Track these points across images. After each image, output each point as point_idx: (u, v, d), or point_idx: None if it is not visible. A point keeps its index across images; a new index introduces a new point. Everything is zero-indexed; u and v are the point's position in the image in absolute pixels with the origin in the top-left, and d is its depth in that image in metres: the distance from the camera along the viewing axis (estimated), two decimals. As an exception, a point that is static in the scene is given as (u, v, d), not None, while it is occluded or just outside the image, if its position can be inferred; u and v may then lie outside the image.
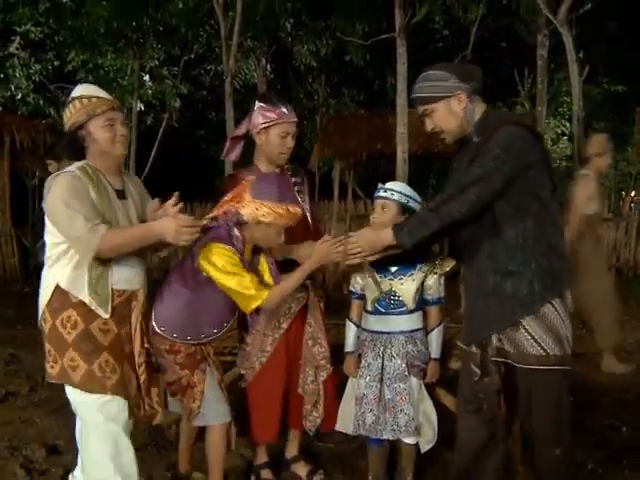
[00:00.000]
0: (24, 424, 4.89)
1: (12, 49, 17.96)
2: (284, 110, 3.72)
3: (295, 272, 3.35)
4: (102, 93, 3.25)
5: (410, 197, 3.49)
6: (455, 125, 3.08)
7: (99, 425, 3.12)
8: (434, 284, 3.65)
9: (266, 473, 3.89)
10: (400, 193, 3.48)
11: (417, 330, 3.60)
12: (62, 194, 3.03)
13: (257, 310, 3.43)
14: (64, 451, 4.36)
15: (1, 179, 12.73)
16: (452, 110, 3.05)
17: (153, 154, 16.72)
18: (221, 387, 3.57)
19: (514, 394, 3.15)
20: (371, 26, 15.17)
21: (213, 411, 3.48)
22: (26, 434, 4.67)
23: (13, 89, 17.98)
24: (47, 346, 3.17)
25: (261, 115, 3.71)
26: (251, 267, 3.42)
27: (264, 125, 3.69)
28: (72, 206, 3.00)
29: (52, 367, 3.15)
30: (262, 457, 3.93)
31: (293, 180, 3.89)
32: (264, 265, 3.52)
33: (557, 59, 16.15)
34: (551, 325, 2.97)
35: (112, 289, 3.15)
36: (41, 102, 18.45)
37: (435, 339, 3.67)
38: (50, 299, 3.14)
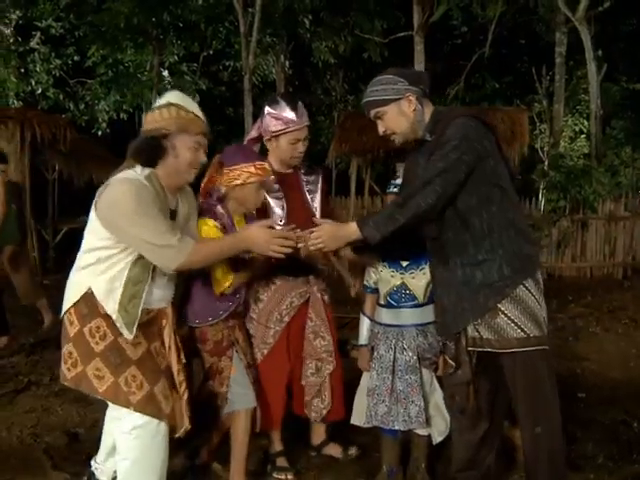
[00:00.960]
0: (46, 412, 4.99)
1: (33, 44, 18.17)
2: (293, 117, 3.73)
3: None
4: (199, 112, 3.12)
5: None
6: (406, 126, 3.17)
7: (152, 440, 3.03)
8: None
9: (282, 461, 3.96)
10: None
11: (428, 323, 3.65)
12: (138, 200, 2.88)
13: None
14: (85, 439, 4.46)
15: (22, 173, 12.84)
16: (403, 112, 3.14)
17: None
18: (247, 373, 3.62)
19: (496, 381, 3.27)
20: (389, 23, 15.20)
21: (238, 397, 3.55)
22: (48, 422, 4.78)
23: (34, 84, 18.19)
24: (68, 347, 3.05)
25: (270, 122, 3.76)
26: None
27: (273, 134, 3.76)
28: (152, 214, 2.89)
29: (69, 370, 3.04)
30: (278, 445, 4.00)
31: (305, 179, 3.95)
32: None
33: (575, 57, 16.12)
34: (527, 307, 3.08)
35: (146, 308, 3.05)
36: (61, 97, 18.63)
37: None
38: (78, 301, 3.02)
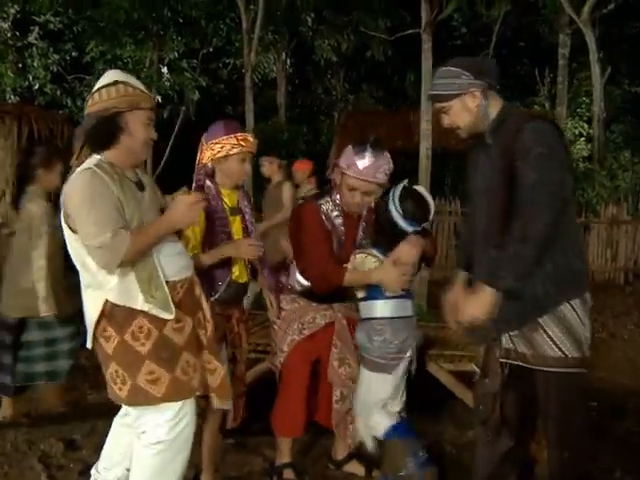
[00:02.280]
0: (41, 418, 4.82)
1: (31, 39, 18.02)
2: (362, 167, 3.56)
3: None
4: (145, 89, 3.01)
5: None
6: (469, 121, 3.05)
7: (177, 453, 2.93)
8: None
9: (288, 473, 3.84)
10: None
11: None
12: (80, 203, 2.77)
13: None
14: (82, 446, 4.30)
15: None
16: (466, 107, 3.03)
17: (169, 147, 16.70)
18: (231, 366, 3.57)
19: (526, 396, 3.11)
20: (393, 21, 15.09)
21: None
22: (43, 428, 4.61)
23: (31, 79, 18.04)
24: (112, 367, 2.88)
25: (345, 161, 3.62)
26: (229, 224, 3.55)
27: (341, 172, 3.62)
28: (93, 216, 2.74)
29: (120, 389, 2.87)
30: (285, 457, 3.87)
31: (363, 224, 3.84)
32: (238, 224, 3.61)
33: (578, 59, 16.02)
34: (570, 327, 2.93)
35: (173, 282, 2.92)
36: (58, 92, 18.48)
37: None
38: (103, 318, 2.85)
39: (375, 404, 3.68)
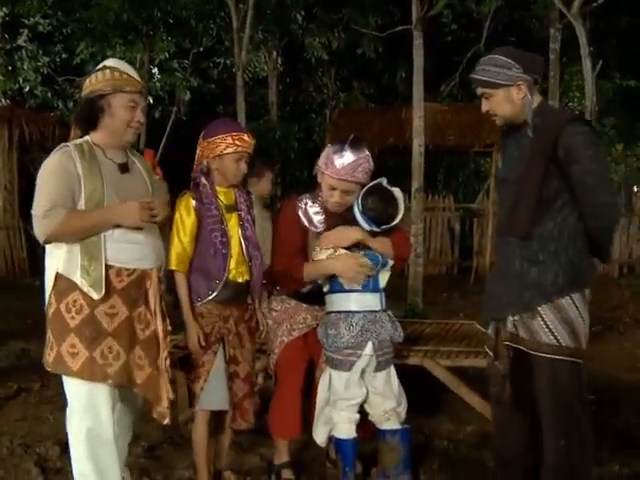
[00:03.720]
0: (37, 421, 4.82)
1: (20, 41, 17.93)
2: (340, 166, 3.53)
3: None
4: (134, 73, 3.19)
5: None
6: (510, 112, 3.15)
7: (81, 420, 3.10)
8: None
9: (287, 473, 3.82)
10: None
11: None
12: (41, 175, 3.03)
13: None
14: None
15: (10, 172, 12.69)
16: (510, 98, 3.11)
17: (161, 147, 16.65)
18: (231, 368, 3.58)
19: (524, 380, 3.21)
20: (384, 18, 15.08)
21: (211, 397, 3.50)
22: (39, 431, 4.60)
23: (21, 82, 17.97)
24: (47, 333, 3.10)
25: (324, 159, 3.60)
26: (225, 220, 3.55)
27: (320, 171, 3.63)
28: (44, 189, 3.00)
29: (49, 355, 3.07)
30: (283, 456, 3.85)
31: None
32: (234, 222, 3.59)
33: (568, 53, 16.02)
34: (567, 318, 3.07)
35: (118, 268, 3.05)
36: (49, 95, 18.42)
37: None
38: (54, 284, 3.06)
39: (333, 402, 3.58)
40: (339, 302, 3.58)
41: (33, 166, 14.07)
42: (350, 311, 3.53)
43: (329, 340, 3.52)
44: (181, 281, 3.47)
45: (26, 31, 17.80)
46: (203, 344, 3.44)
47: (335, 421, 3.58)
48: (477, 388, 4.30)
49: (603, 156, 3.23)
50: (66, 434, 4.36)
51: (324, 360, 3.65)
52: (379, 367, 3.58)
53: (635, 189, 18.06)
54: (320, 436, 3.68)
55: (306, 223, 3.66)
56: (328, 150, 3.58)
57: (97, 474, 3.13)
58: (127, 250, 3.09)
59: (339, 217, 3.66)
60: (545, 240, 3.08)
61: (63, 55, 18.12)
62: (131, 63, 16.23)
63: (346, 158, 3.49)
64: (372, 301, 3.58)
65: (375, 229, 3.55)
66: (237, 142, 3.48)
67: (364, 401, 3.62)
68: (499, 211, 3.34)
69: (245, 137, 3.52)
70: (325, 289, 3.65)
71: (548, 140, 3.02)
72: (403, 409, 3.68)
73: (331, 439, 3.69)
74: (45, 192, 2.99)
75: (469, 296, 11.32)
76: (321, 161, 3.60)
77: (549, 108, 3.29)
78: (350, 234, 3.56)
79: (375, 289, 3.61)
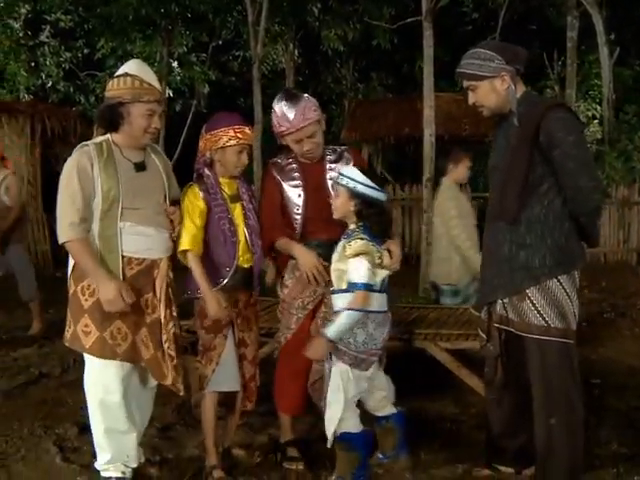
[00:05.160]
0: (56, 404, 4.98)
1: (42, 37, 18.19)
2: (292, 117, 3.69)
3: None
4: (155, 81, 3.38)
5: (358, 182, 3.42)
6: (495, 102, 3.29)
7: (95, 392, 3.42)
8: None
9: (292, 451, 3.93)
10: (348, 178, 3.45)
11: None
12: (63, 177, 3.28)
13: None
14: (95, 429, 4.44)
15: (33, 166, 12.84)
16: (495, 89, 3.24)
17: (182, 140, 16.82)
18: (240, 351, 3.74)
19: (515, 361, 3.36)
20: (397, 10, 15.10)
21: (223, 378, 3.66)
22: (58, 413, 4.77)
23: (44, 77, 18.22)
24: (68, 312, 3.41)
25: (275, 122, 3.78)
26: (230, 211, 3.65)
27: (279, 134, 3.79)
28: (66, 193, 3.25)
29: (67, 331, 3.39)
30: (287, 435, 3.98)
31: (329, 166, 3.88)
32: (239, 211, 3.69)
33: (587, 41, 15.92)
34: (555, 299, 3.18)
35: (128, 257, 3.33)
36: (71, 90, 18.65)
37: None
38: (74, 267, 3.37)
39: (345, 399, 3.48)
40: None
41: (56, 160, 14.29)
42: (373, 311, 3.47)
43: (358, 339, 3.43)
44: (196, 261, 3.54)
45: (48, 27, 18.06)
46: (225, 305, 3.56)
47: (344, 417, 3.49)
48: (476, 371, 4.40)
49: (584, 141, 3.30)
50: (83, 416, 4.61)
51: (335, 357, 3.50)
52: (379, 363, 3.67)
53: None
54: (332, 436, 3.54)
55: (280, 180, 3.83)
56: (273, 115, 3.77)
57: (112, 445, 3.43)
58: (137, 241, 3.36)
59: (320, 165, 3.85)
60: (532, 223, 3.18)
61: (85, 50, 18.37)
62: (150, 57, 16.47)
63: (290, 109, 3.68)
64: (386, 300, 3.59)
65: (386, 195, 3.56)
66: (239, 135, 3.59)
67: None
68: (489, 197, 3.44)
69: (246, 130, 3.63)
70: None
71: (531, 127, 3.13)
72: (392, 394, 3.77)
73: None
74: (69, 199, 3.24)
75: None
76: (275, 128, 3.77)
77: (533, 97, 3.40)
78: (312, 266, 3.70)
79: (386, 290, 3.60)
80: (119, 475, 3.47)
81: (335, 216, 3.57)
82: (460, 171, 5.79)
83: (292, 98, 3.73)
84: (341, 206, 3.49)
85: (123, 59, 16.66)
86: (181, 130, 17.24)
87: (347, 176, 3.46)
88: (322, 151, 3.88)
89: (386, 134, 13.93)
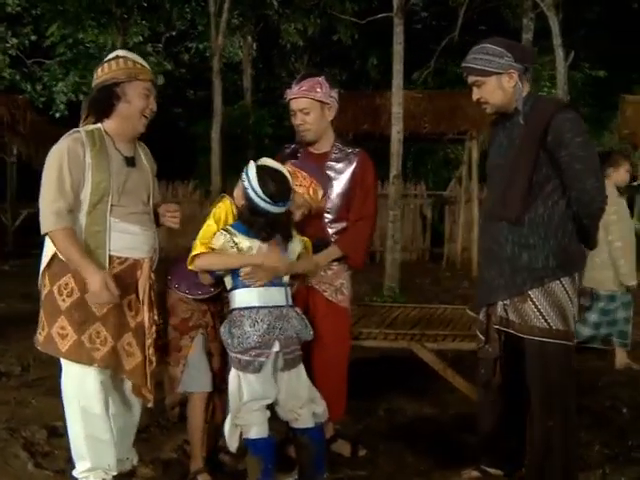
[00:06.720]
0: (20, 405, 4.77)
1: (-13, 23, 17.57)
2: (292, 86, 3.77)
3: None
4: (145, 64, 3.26)
5: (252, 186, 3.25)
6: (501, 100, 3.23)
7: (74, 399, 3.21)
8: None
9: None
10: (247, 177, 3.28)
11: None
12: (52, 160, 3.09)
13: None
14: (65, 432, 4.19)
15: (-20, 156, 12.49)
16: (502, 86, 3.19)
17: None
18: (208, 358, 3.61)
19: (513, 364, 3.34)
20: (361, 5, 15.07)
21: (192, 379, 3.57)
22: (23, 415, 4.55)
23: (-12, 64, 17.61)
24: (40, 312, 3.21)
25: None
26: None
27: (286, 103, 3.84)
28: (53, 176, 3.05)
29: (40, 334, 3.19)
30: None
31: (330, 164, 3.84)
32: None
33: (540, 44, 16.15)
34: (557, 301, 3.17)
35: (111, 256, 3.16)
36: (17, 77, 18.07)
37: None
38: (49, 263, 3.16)
39: (243, 404, 3.29)
40: (242, 298, 3.32)
41: (3, 149, 13.89)
42: (254, 307, 3.27)
43: (234, 340, 3.24)
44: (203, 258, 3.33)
45: (-6, 12, 17.46)
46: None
47: (246, 423, 3.31)
48: (460, 371, 4.39)
49: (592, 143, 3.29)
50: (52, 418, 4.42)
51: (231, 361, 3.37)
52: (286, 366, 3.36)
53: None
54: (234, 442, 3.37)
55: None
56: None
57: (92, 454, 3.21)
58: (121, 239, 3.18)
59: (320, 158, 3.81)
60: (536, 224, 3.16)
61: (32, 37, 17.79)
62: (104, 46, 16.07)
63: (299, 81, 3.73)
64: (277, 296, 3.33)
65: (285, 208, 3.29)
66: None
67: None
68: (488, 197, 3.42)
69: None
70: (228, 287, 3.41)
71: (539, 127, 3.11)
72: (319, 407, 3.48)
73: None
74: (56, 185, 3.04)
75: (441, 282, 11.44)
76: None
77: (538, 97, 3.38)
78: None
79: (280, 283, 3.37)
80: None
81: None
82: (620, 174, 5.80)
83: (309, 74, 3.83)
84: (237, 198, 3.40)
85: (74, 47, 16.30)
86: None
87: (247, 175, 3.28)
88: (330, 146, 3.86)
89: (344, 130, 13.84)
